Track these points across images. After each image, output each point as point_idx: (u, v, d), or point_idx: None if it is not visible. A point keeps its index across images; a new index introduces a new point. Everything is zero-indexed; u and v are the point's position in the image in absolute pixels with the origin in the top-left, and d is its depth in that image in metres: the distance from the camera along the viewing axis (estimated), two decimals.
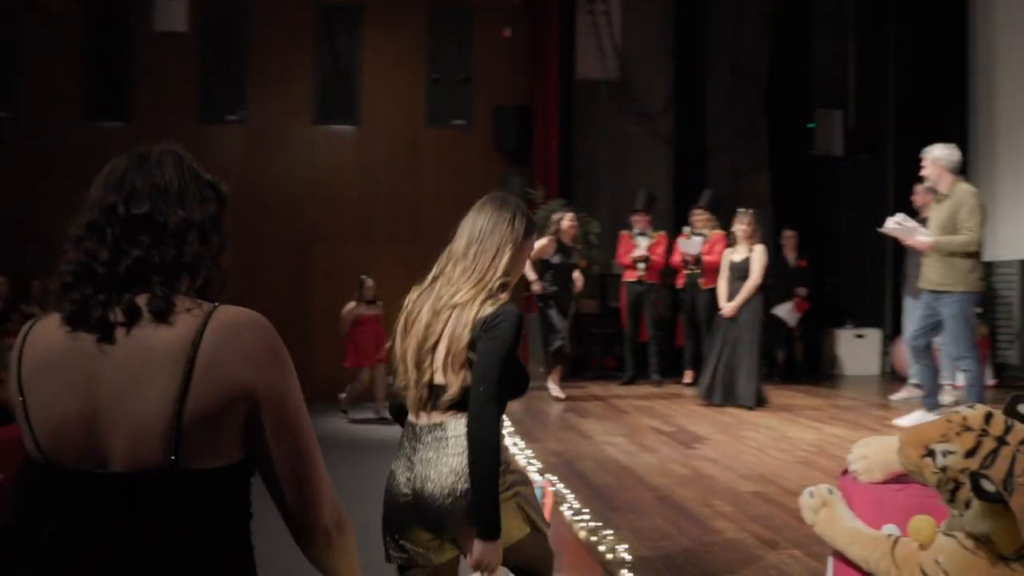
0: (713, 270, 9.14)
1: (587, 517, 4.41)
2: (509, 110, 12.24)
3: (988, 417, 2.13)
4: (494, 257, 2.75)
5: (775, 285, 9.94)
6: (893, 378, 10.54)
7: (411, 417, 2.73)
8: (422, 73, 12.52)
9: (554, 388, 9.05)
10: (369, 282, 10.81)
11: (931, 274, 6.73)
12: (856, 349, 11.58)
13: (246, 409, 1.53)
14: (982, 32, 11.37)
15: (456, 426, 2.62)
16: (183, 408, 1.47)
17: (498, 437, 2.57)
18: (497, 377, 2.56)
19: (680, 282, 10.35)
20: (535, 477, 5.23)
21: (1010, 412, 2.20)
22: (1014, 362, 10.44)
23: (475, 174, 12.32)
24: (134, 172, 1.60)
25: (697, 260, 9.93)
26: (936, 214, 6.81)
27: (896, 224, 6.85)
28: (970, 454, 2.07)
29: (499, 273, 2.73)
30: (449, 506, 2.58)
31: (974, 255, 6.59)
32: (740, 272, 8.43)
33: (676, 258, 10.25)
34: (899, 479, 2.67)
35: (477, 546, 2.53)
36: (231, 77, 12.29)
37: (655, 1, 12.63)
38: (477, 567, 2.54)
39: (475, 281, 2.72)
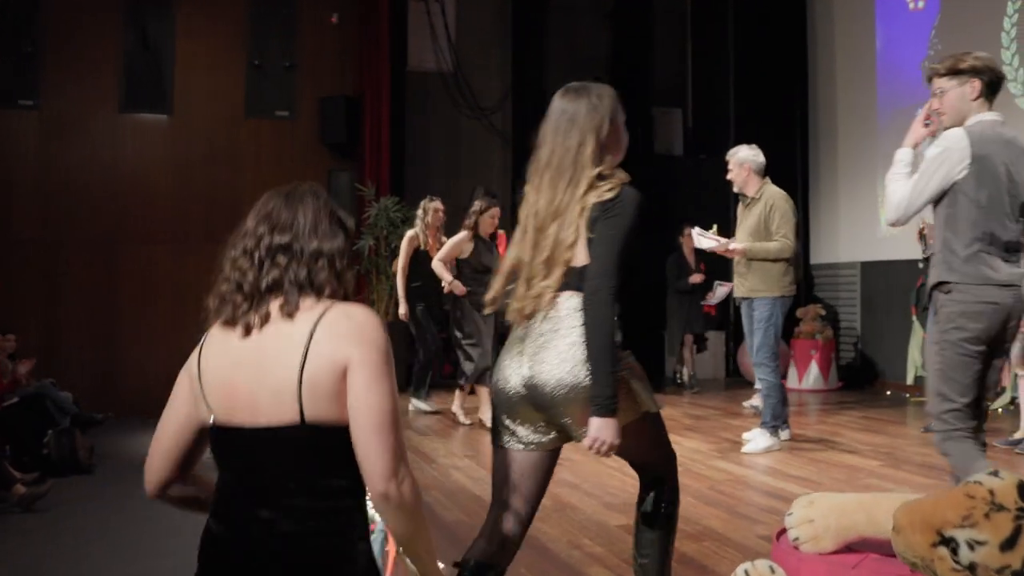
0: None
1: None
2: (336, 101, 11.41)
3: (1023, 489, 1.61)
4: (578, 153, 2.72)
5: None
6: (741, 382, 10.36)
7: (517, 321, 2.73)
8: (242, 59, 11.50)
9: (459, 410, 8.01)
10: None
11: (744, 281, 6.58)
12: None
13: (344, 375, 1.94)
14: (822, 31, 11.36)
15: (568, 306, 2.64)
16: (302, 376, 1.93)
17: (613, 314, 2.57)
18: (617, 252, 2.58)
19: None
20: (373, 517, 4.55)
21: None
22: (856, 364, 10.43)
23: (300, 168, 11.44)
24: (281, 207, 2.09)
25: None
26: (746, 219, 6.63)
27: (699, 235, 6.70)
28: (1008, 545, 1.53)
29: (589, 166, 2.71)
30: (563, 388, 2.60)
31: (787, 260, 6.48)
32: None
33: None
34: (852, 548, 2.16)
35: (593, 423, 2.54)
36: (24, 58, 10.98)
37: None
38: (592, 445, 2.55)
39: (567, 183, 2.71)
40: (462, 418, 7.77)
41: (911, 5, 10.03)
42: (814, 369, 10.16)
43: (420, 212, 8.35)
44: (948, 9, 9.56)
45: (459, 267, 7.68)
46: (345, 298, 2.06)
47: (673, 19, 12.39)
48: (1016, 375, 8.46)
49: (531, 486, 2.80)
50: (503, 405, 2.75)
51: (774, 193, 6.53)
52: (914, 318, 9.43)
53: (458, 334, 7.63)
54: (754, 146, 6.65)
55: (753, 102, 11.35)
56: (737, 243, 6.52)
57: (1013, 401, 8.55)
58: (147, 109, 11.32)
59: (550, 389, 2.60)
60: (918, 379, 9.56)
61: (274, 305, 2.02)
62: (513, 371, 2.69)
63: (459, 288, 7.50)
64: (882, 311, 10.03)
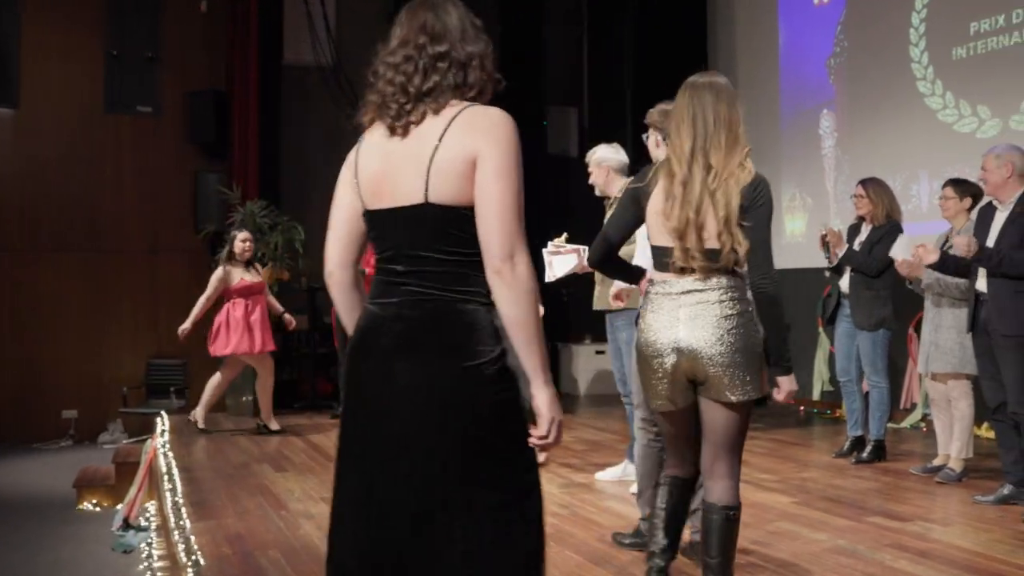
0: None
1: None
2: (205, 96, 10.45)
3: None
4: (729, 129, 3.17)
5: None
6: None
7: (667, 280, 3.13)
8: (98, 48, 10.44)
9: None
10: (243, 235, 8.05)
11: (603, 293, 5.69)
12: (596, 366, 10.70)
13: (473, 164, 2.15)
14: (723, 28, 10.80)
15: (719, 279, 3.08)
16: (431, 162, 2.16)
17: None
18: (770, 237, 3.14)
19: None
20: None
21: None
22: None
23: (163, 168, 10.49)
24: (432, 18, 2.28)
25: None
26: None
27: (553, 254, 5.95)
28: None
29: (741, 143, 3.18)
30: (716, 354, 3.04)
31: None
32: None
33: None
34: None
35: (783, 381, 3.16)
36: None
37: None
38: (786, 396, 3.16)
39: (726, 160, 3.11)
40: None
41: (815, 0, 9.53)
42: None
43: None
44: (854, 4, 9.07)
45: None
46: (486, 99, 2.29)
47: (567, 14, 11.73)
48: (927, 393, 8.00)
49: (693, 436, 3.26)
50: (650, 362, 3.17)
51: None
52: (820, 330, 8.92)
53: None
54: (615, 144, 5.97)
55: (652, 102, 10.64)
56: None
57: (924, 418, 8.08)
58: None
59: (704, 355, 3.06)
60: (825, 394, 9.06)
61: (429, 105, 2.22)
62: (664, 334, 3.11)
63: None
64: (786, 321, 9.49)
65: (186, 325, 7.67)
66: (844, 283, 6.62)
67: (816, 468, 6.31)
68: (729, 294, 3.07)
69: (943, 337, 5.92)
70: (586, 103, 11.88)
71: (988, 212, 5.32)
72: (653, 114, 4.60)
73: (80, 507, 7.25)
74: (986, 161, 5.23)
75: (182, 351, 10.02)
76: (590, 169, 5.83)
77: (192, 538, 4.40)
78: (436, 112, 2.21)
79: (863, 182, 6.63)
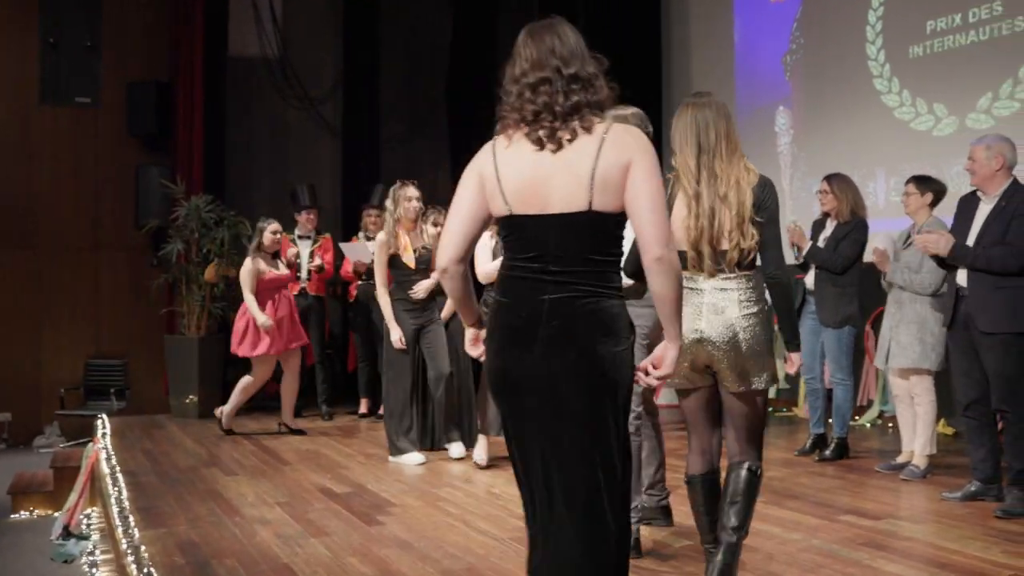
0: None
1: None
2: (146, 87, 10.08)
3: None
4: (728, 140, 3.49)
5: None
6: None
7: (694, 277, 3.46)
8: (33, 36, 10.04)
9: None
10: (272, 226, 7.71)
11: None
12: None
13: (626, 173, 2.46)
14: (677, 23, 10.72)
15: (740, 282, 3.45)
16: (594, 177, 2.46)
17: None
18: (780, 232, 3.58)
19: (352, 295, 8.82)
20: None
21: None
22: None
23: (103, 163, 10.13)
24: (557, 43, 2.55)
25: (371, 270, 8.44)
26: None
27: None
28: None
29: (739, 150, 3.52)
30: (731, 350, 3.42)
31: None
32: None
33: (348, 267, 8.71)
34: None
35: (794, 357, 3.72)
36: None
37: None
38: (796, 370, 3.77)
39: (728, 166, 3.47)
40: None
41: None
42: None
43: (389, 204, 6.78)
44: (811, 1, 9.04)
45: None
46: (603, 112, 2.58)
47: (519, 6, 11.55)
48: (884, 390, 7.98)
49: (707, 416, 3.64)
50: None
51: None
52: (775, 327, 8.86)
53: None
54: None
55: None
56: None
57: (881, 415, 8.06)
58: None
59: (721, 349, 3.42)
60: (780, 392, 9.00)
61: (577, 123, 2.49)
62: (687, 323, 3.35)
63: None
64: None
65: (269, 322, 7.35)
66: (809, 280, 6.55)
67: (778, 467, 6.22)
68: (748, 295, 3.44)
69: (903, 332, 5.88)
70: None
71: (971, 203, 5.19)
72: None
73: (15, 515, 6.91)
74: (975, 151, 5.09)
75: (122, 351, 9.70)
76: None
77: (142, 547, 4.16)
78: (587, 130, 2.50)
79: (828, 178, 6.56)
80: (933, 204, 5.92)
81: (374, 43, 10.86)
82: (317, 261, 8.61)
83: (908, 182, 6.03)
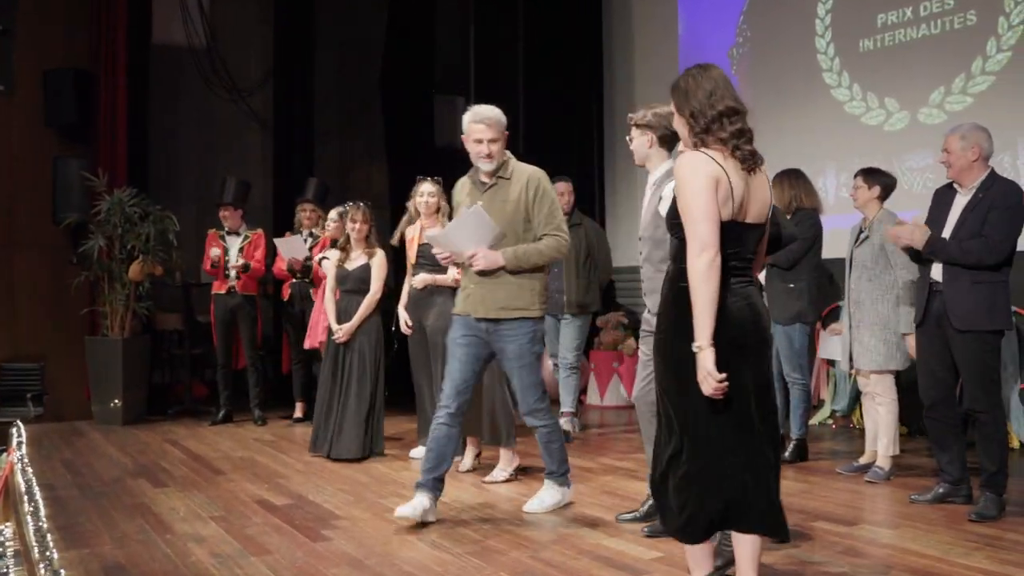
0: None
1: None
2: (64, 75, 9.49)
3: None
4: None
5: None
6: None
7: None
8: None
9: None
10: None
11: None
12: None
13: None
14: (619, 16, 10.49)
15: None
16: (771, 198, 3.24)
17: None
18: None
19: (286, 293, 8.41)
20: None
21: None
22: None
23: (18, 154, 9.51)
24: (720, 83, 3.19)
25: (306, 267, 8.06)
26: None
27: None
28: None
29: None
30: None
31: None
32: (355, 283, 6.71)
33: (281, 264, 8.30)
34: None
35: None
36: None
37: None
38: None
39: None
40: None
41: None
42: (617, 384, 9.25)
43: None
44: None
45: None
46: None
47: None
48: (834, 390, 7.84)
49: None
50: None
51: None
52: None
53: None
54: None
55: (545, 92, 10.37)
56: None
57: (833, 415, 7.92)
58: None
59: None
60: None
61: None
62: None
63: None
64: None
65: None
66: (760, 276, 6.34)
67: None
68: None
69: (865, 334, 5.71)
70: (474, 93, 11.41)
71: (946, 195, 5.00)
72: (647, 115, 4.42)
73: None
74: (949, 142, 4.89)
75: (40, 354, 9.14)
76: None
77: (62, 572, 3.74)
78: (761, 160, 3.15)
79: (778, 174, 6.36)
80: (882, 197, 5.77)
81: (306, 33, 10.45)
82: (241, 261, 8.18)
83: (856, 175, 5.89)
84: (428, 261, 6.17)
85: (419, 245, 6.39)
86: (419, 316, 6.39)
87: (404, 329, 6.45)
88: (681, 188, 3.07)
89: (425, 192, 6.45)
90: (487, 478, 5.71)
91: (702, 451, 3.07)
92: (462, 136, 4.82)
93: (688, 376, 3.00)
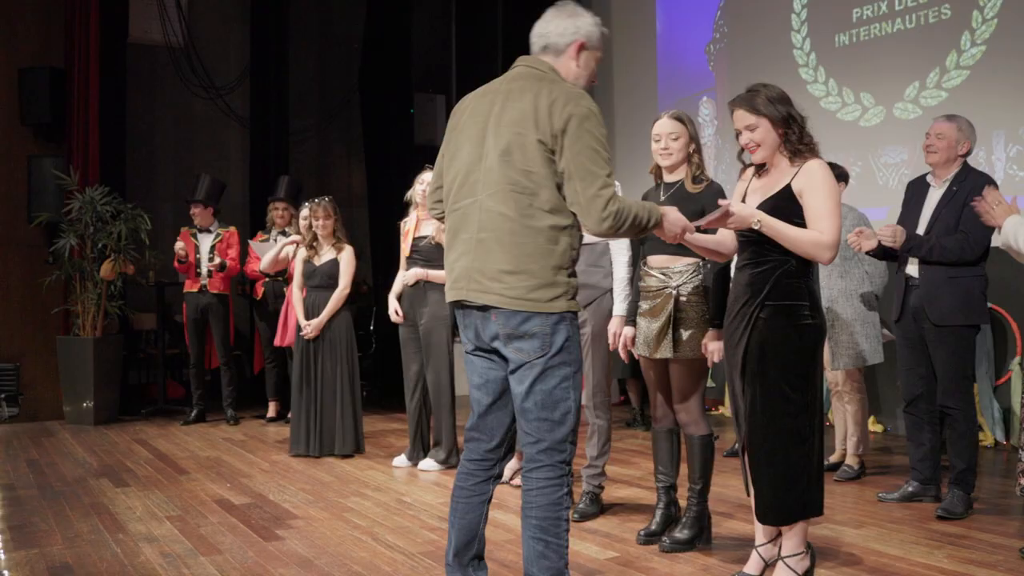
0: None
1: None
2: (39, 73, 9.42)
3: None
4: None
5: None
6: None
7: None
8: None
9: None
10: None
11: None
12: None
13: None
14: (598, 11, 10.39)
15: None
16: None
17: None
18: None
19: (259, 292, 8.34)
20: None
21: None
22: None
23: None
24: (778, 95, 3.55)
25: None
26: None
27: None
28: None
29: None
30: None
31: None
32: (323, 278, 6.64)
33: (253, 264, 8.23)
34: None
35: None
36: None
37: None
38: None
39: None
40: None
41: None
42: None
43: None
44: None
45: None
46: None
47: None
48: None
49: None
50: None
51: None
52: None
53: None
54: None
55: None
56: None
57: None
58: None
59: None
60: (706, 390, 8.75)
61: None
62: None
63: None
64: None
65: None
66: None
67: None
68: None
69: (841, 332, 5.63)
70: (454, 90, 11.35)
71: (919, 188, 4.94)
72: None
73: None
74: (944, 128, 4.79)
75: (15, 354, 9.06)
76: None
77: (6, 573, 3.68)
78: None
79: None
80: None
81: (284, 31, 10.36)
82: (218, 260, 8.11)
83: None
84: (422, 255, 6.05)
85: (413, 238, 6.14)
86: (411, 312, 6.12)
87: (394, 318, 6.20)
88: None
89: (425, 180, 5.99)
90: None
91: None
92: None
93: (810, 360, 3.41)
